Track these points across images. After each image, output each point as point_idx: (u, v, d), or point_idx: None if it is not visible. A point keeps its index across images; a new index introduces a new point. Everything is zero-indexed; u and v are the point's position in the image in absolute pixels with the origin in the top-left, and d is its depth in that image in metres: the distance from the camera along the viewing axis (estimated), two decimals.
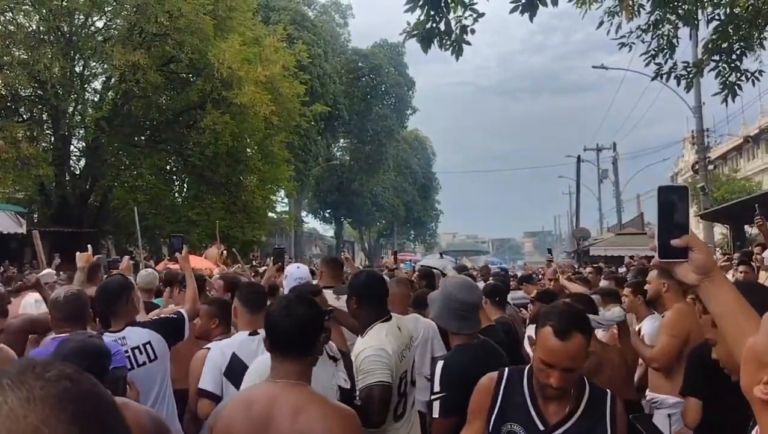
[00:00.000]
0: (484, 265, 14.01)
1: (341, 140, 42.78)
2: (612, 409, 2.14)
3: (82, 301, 3.19)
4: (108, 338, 3.37)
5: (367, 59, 38.64)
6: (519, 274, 12.13)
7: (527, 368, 2.24)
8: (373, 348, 2.88)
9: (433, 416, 2.78)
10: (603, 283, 6.63)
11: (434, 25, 5.74)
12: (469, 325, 3.02)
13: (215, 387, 3.15)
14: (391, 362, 2.88)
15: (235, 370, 3.15)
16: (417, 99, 43.37)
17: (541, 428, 2.09)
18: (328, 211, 45.56)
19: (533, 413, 2.12)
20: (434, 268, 6.88)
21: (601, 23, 7.90)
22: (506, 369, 2.31)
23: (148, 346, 3.46)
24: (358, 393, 2.86)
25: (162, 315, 3.71)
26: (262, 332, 3.31)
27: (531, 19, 5.84)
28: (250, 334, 3.32)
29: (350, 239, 55.51)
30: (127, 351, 3.38)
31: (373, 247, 53.18)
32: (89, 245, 4.24)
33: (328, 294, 4.11)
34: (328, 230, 51.67)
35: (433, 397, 2.76)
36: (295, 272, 4.22)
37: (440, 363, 2.85)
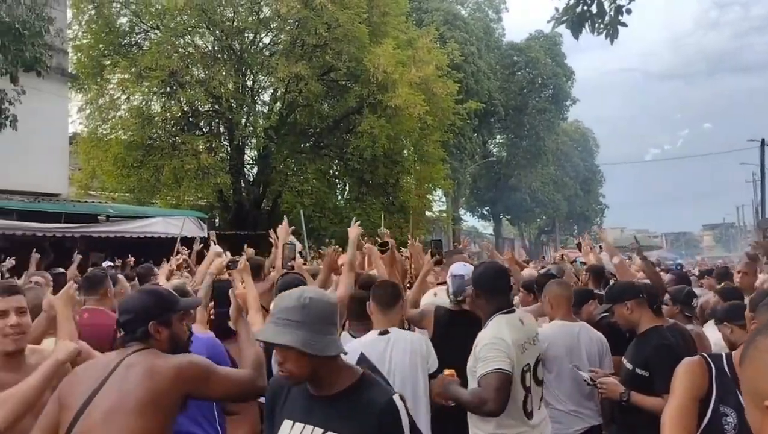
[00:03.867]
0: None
1: (497, 136, 42.12)
2: None
3: None
4: None
5: (522, 53, 37.75)
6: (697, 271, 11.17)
7: (724, 353, 2.19)
8: (490, 337, 2.92)
9: None
10: None
11: (585, 8, 5.44)
12: None
13: None
14: (510, 351, 2.87)
15: None
16: (577, 89, 41.60)
17: None
18: (486, 208, 45.14)
19: (740, 396, 1.99)
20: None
21: None
22: (705, 354, 2.24)
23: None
24: (478, 381, 2.86)
25: None
26: (393, 331, 3.34)
27: None
28: (380, 333, 3.32)
29: (510, 237, 54.59)
30: None
31: (533, 244, 51.83)
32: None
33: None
34: (486, 228, 51.18)
35: None
36: (459, 270, 3.91)
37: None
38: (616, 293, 3.74)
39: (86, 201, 15.79)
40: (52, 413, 2.23)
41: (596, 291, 4.87)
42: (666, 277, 6.60)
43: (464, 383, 3.11)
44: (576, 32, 5.43)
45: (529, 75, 38.15)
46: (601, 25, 5.47)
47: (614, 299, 3.69)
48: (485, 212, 46.18)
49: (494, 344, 2.87)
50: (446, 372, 3.12)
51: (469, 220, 48.45)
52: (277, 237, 5.21)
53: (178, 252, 6.78)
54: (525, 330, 3.08)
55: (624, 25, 5.45)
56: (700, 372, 2.11)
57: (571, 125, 50.98)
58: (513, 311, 3.11)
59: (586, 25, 5.48)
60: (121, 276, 5.71)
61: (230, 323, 2.78)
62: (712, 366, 2.11)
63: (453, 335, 3.60)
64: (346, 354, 2.07)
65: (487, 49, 33.93)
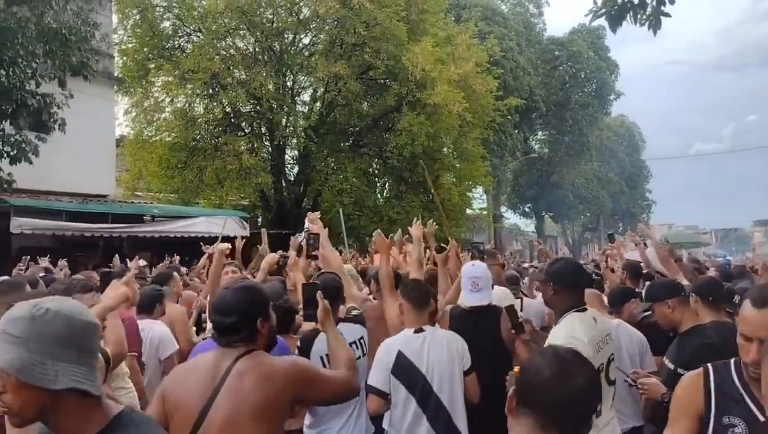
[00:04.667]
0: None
1: (539, 132, 41.57)
2: None
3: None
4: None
5: (564, 47, 37.09)
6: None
7: (733, 360, 2.10)
8: (566, 336, 2.83)
9: None
10: None
11: None
12: None
13: (383, 385, 3.21)
14: (586, 350, 2.78)
15: (401, 368, 3.22)
16: (623, 82, 40.84)
17: (762, 419, 1.95)
18: (528, 205, 44.60)
19: (751, 404, 1.98)
20: (638, 261, 6.45)
21: None
22: (709, 365, 2.18)
23: (361, 341, 3.61)
24: None
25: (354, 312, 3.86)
26: (428, 329, 3.34)
27: None
28: (415, 331, 3.33)
29: (552, 234, 53.82)
30: None
31: (577, 241, 50.99)
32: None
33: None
34: (528, 225, 50.59)
35: None
36: (469, 271, 3.84)
37: None
38: (656, 291, 3.64)
39: (132, 202, 16.19)
40: (157, 414, 2.23)
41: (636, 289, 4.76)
42: (711, 273, 6.41)
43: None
44: (614, 25, 5.25)
45: (572, 70, 37.49)
46: (644, 16, 5.30)
47: (654, 298, 3.60)
48: (527, 210, 45.64)
49: (570, 344, 2.77)
50: (516, 370, 3.09)
51: (511, 217, 48.01)
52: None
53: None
54: (599, 329, 3.01)
55: (667, 15, 5.26)
56: (694, 388, 2.06)
57: (615, 119, 49.98)
58: (585, 309, 3.04)
59: (628, 17, 5.31)
60: (175, 274, 5.83)
61: (318, 325, 2.80)
62: (712, 378, 2.06)
63: (465, 333, 3.56)
64: (92, 393, 1.52)
65: (527, 45, 33.50)
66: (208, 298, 4.60)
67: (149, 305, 4.46)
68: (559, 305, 3.03)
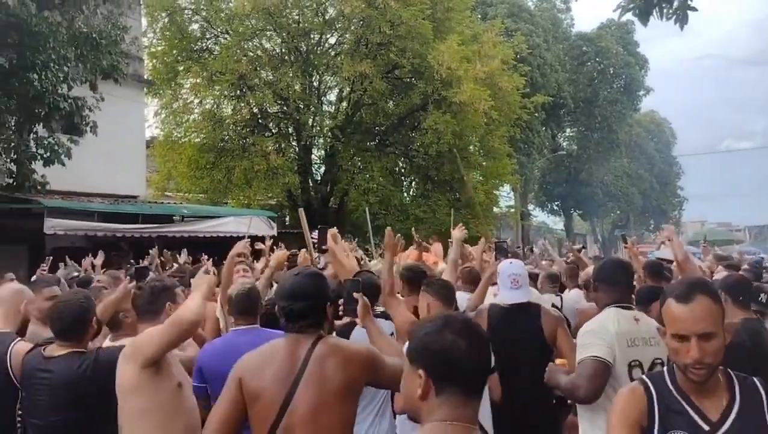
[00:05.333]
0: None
1: (567, 129, 41.08)
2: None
3: (251, 297, 3.48)
4: (361, 330, 3.63)
5: (592, 43, 36.63)
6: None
7: (665, 370, 2.03)
8: (593, 325, 2.93)
9: None
10: None
11: None
12: None
13: None
14: (611, 340, 2.83)
15: None
16: (654, 78, 40.16)
17: (706, 428, 1.87)
18: (556, 203, 44.15)
19: (692, 413, 1.89)
20: (667, 259, 6.34)
21: None
22: (644, 376, 2.11)
23: (391, 336, 3.65)
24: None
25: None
26: None
27: None
28: None
29: (581, 232, 53.19)
30: None
31: (606, 239, 50.32)
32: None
33: None
34: (557, 223, 50.07)
35: None
36: (508, 268, 3.83)
37: None
38: None
39: (162, 202, 16.41)
40: (235, 399, 2.29)
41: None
42: (743, 272, 6.29)
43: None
44: (644, 20, 5.18)
45: (600, 65, 37.02)
46: (670, 11, 5.21)
47: None
48: (555, 207, 45.18)
49: (595, 332, 2.88)
50: (558, 361, 3.19)
51: (539, 215, 47.58)
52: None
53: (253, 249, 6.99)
54: (638, 328, 2.98)
55: (693, 9, 5.17)
56: (636, 399, 1.96)
57: (645, 115, 49.12)
58: (630, 308, 3.06)
59: (654, 12, 5.23)
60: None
61: (357, 321, 2.87)
62: (652, 390, 1.97)
63: (506, 330, 3.62)
64: None
65: (554, 41, 33.12)
66: (219, 297, 4.64)
67: None
68: (600, 301, 3.11)
